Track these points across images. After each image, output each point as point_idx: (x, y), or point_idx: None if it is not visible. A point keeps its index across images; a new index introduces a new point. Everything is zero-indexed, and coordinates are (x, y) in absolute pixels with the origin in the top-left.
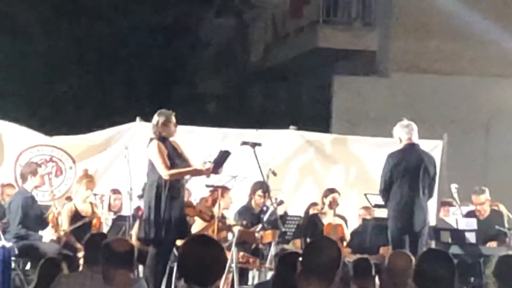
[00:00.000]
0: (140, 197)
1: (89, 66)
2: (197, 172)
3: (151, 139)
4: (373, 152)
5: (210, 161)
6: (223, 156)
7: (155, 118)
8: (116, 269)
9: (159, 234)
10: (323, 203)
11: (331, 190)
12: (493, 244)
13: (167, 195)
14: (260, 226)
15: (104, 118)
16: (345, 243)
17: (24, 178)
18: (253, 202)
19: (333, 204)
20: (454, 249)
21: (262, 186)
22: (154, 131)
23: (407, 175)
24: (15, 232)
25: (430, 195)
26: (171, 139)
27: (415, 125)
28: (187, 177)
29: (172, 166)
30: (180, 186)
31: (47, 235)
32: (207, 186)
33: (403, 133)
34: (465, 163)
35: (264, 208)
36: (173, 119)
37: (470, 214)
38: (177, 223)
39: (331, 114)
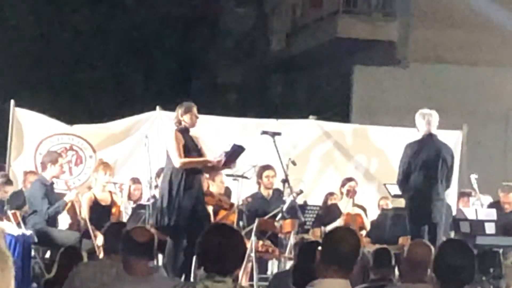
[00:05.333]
0: (156, 186)
1: (109, 55)
2: (208, 164)
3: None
4: (393, 142)
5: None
6: (236, 151)
7: (176, 110)
8: (136, 258)
9: (171, 222)
10: (341, 193)
11: (348, 179)
12: None
13: (180, 185)
14: (279, 215)
15: (124, 107)
16: (364, 233)
17: (44, 166)
18: (262, 188)
19: (351, 193)
20: (480, 240)
21: (268, 167)
22: (175, 122)
23: (425, 166)
24: (44, 219)
25: (448, 185)
26: (192, 133)
27: (435, 114)
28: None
29: (187, 157)
30: (196, 177)
31: (64, 222)
32: (227, 175)
33: (422, 123)
34: (484, 153)
35: (284, 196)
36: (194, 110)
37: (493, 206)
38: (191, 213)
39: (351, 104)
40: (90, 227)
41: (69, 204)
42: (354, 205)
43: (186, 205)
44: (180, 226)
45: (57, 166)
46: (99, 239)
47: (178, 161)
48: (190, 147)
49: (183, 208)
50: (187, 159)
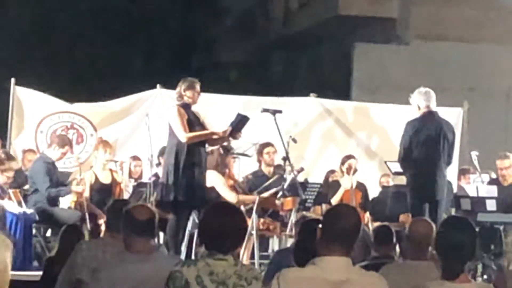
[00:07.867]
0: (158, 165)
1: (110, 33)
2: (214, 136)
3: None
4: (394, 119)
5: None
6: (242, 120)
7: (179, 84)
8: (137, 236)
9: (176, 199)
10: (342, 171)
11: (347, 157)
12: None
13: (186, 161)
14: (280, 193)
15: (125, 85)
16: (364, 210)
17: (49, 145)
18: (263, 165)
19: (350, 170)
20: (481, 217)
21: (269, 144)
22: (177, 97)
23: (426, 143)
24: (45, 196)
25: (449, 162)
26: (193, 108)
27: (433, 92)
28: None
29: (191, 131)
30: (201, 153)
31: (66, 202)
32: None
33: (422, 100)
34: (485, 130)
35: (282, 173)
36: (197, 87)
37: (493, 182)
38: (195, 190)
39: (351, 81)
40: (92, 205)
41: (74, 182)
42: (356, 182)
43: (191, 182)
44: (185, 203)
45: (60, 151)
46: (101, 218)
47: (183, 135)
48: (193, 122)
49: (189, 185)
50: (192, 133)
